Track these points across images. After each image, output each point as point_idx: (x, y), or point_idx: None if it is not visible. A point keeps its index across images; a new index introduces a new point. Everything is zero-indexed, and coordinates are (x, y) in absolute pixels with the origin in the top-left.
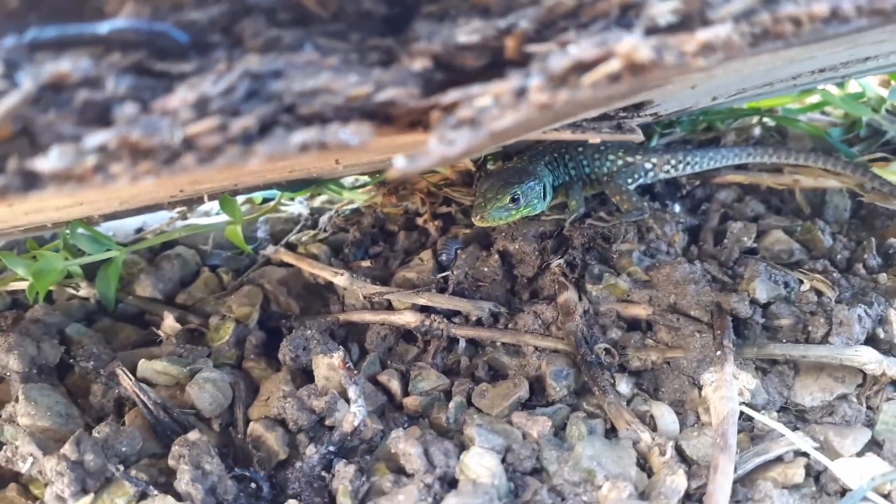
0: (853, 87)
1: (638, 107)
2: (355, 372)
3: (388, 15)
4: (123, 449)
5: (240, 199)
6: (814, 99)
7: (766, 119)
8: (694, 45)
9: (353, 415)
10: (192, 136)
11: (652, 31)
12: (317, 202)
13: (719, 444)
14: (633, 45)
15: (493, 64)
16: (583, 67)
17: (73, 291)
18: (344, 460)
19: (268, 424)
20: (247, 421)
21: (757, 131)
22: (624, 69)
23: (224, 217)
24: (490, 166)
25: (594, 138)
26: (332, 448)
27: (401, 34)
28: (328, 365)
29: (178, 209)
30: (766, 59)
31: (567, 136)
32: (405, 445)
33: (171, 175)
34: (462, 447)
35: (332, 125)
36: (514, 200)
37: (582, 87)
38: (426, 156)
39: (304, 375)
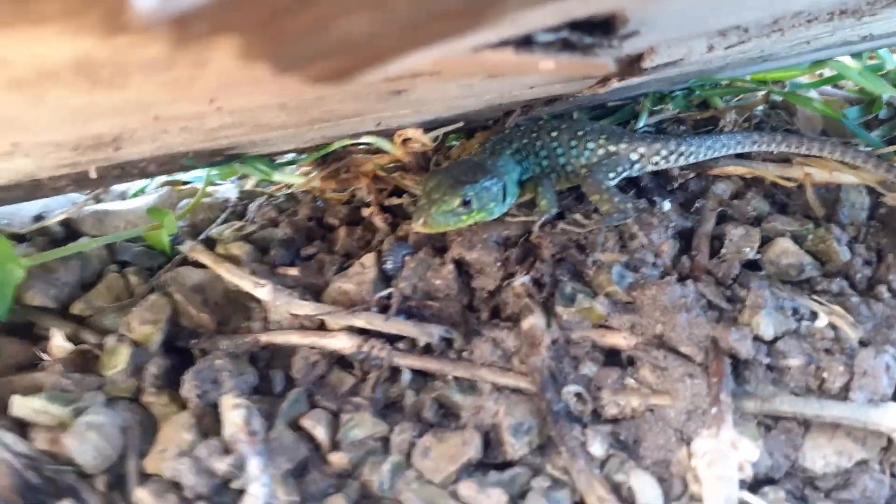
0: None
1: (607, 29)
2: (257, 437)
3: None
4: None
5: (157, 181)
6: (828, 73)
7: (772, 95)
8: None
9: (254, 497)
10: None
11: None
12: (248, 184)
13: None
14: None
15: None
16: None
17: None
18: None
19: (158, 490)
20: (141, 476)
21: (760, 109)
22: None
23: (143, 201)
24: (454, 142)
25: (546, 64)
26: None
27: None
28: (241, 408)
29: (89, 191)
30: None
31: (509, 57)
32: None
33: None
34: None
35: None
36: (464, 203)
37: None
38: None
39: (214, 415)
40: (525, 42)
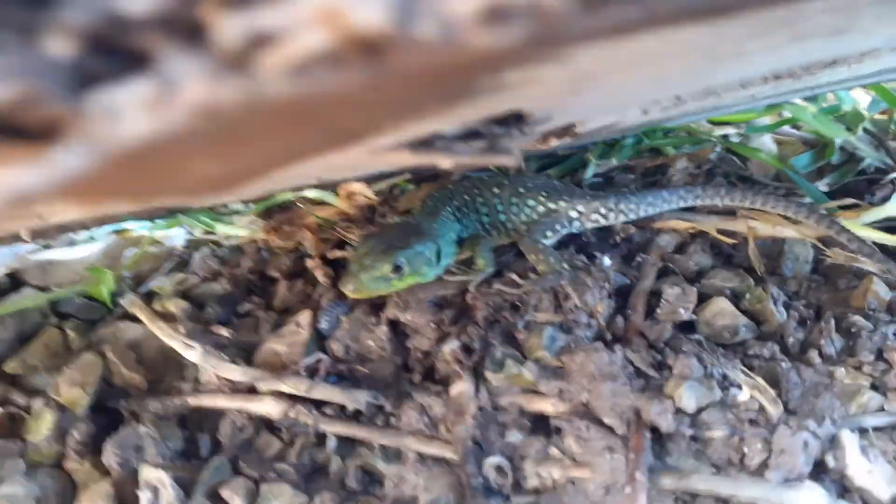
0: (830, 99)
1: (518, 120)
2: None
3: None
4: None
5: (106, 228)
6: (787, 114)
7: (722, 144)
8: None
9: None
10: None
11: None
12: (196, 231)
13: None
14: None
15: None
16: (274, 42)
17: None
18: None
19: None
20: None
21: (713, 156)
22: (345, 46)
23: (90, 248)
24: (406, 185)
25: (444, 163)
26: None
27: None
28: (157, 480)
29: (38, 241)
30: (652, 45)
31: (407, 157)
32: None
33: None
34: None
35: None
36: (396, 269)
37: (266, 74)
38: None
39: (136, 482)
40: (426, 141)
